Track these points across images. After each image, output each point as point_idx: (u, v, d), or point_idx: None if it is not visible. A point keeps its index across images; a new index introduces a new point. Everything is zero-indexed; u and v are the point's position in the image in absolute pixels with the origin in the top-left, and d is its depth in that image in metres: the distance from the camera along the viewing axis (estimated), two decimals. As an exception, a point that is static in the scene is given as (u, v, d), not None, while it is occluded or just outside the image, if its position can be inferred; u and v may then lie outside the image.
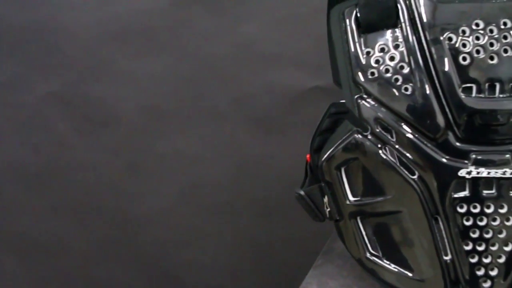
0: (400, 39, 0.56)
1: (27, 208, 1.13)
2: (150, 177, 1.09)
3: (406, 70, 0.56)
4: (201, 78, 1.02)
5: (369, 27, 0.57)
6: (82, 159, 1.10)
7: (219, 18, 0.99)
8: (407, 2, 0.56)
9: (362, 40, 0.58)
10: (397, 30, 0.57)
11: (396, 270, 0.60)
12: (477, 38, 0.54)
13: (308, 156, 0.65)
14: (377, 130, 0.57)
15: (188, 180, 1.08)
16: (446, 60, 0.54)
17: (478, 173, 0.55)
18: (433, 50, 0.55)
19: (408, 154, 0.56)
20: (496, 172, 0.54)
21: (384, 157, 0.57)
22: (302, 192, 0.63)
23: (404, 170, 0.57)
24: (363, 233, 0.61)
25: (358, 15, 0.58)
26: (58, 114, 1.09)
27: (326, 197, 0.62)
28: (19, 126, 1.10)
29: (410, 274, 0.60)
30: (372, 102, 0.57)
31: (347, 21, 0.58)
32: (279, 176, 1.00)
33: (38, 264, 1.18)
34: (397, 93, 0.56)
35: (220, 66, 1.01)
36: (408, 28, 0.56)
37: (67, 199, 1.13)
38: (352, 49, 0.58)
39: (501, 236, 0.56)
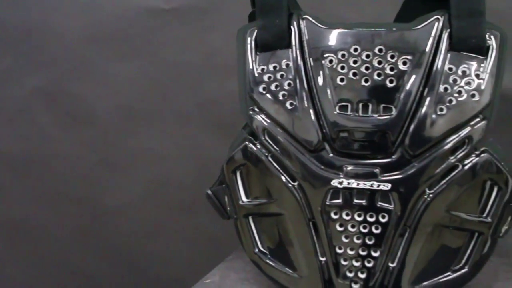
0: (290, 59, 0.63)
1: (9, 195, 1.23)
2: (120, 172, 1.17)
3: (292, 87, 0.62)
4: (170, 83, 1.10)
5: (265, 47, 0.64)
6: (62, 152, 1.19)
7: (187, 27, 1.06)
8: (299, 26, 0.63)
9: (258, 58, 0.64)
10: (289, 51, 0.63)
11: (279, 267, 0.66)
12: (355, 62, 0.60)
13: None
14: (265, 140, 0.63)
15: (155, 177, 1.16)
16: (325, 80, 0.61)
17: (348, 183, 0.60)
18: (314, 70, 0.61)
19: (289, 163, 0.62)
20: (365, 184, 0.60)
21: (269, 164, 0.63)
22: (209, 192, 0.70)
23: (286, 177, 0.63)
24: (254, 231, 0.67)
25: (256, 35, 0.64)
26: (43, 108, 1.18)
27: (226, 197, 0.69)
28: (8, 118, 1.20)
29: (291, 272, 0.66)
30: (262, 114, 0.63)
31: (248, 39, 0.65)
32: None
33: (18, 248, 1.27)
34: (282, 108, 0.62)
35: (187, 72, 1.08)
36: (297, 49, 0.62)
37: (46, 188, 1.22)
38: (250, 66, 0.64)
39: (370, 242, 0.61)
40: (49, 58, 1.17)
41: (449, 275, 0.63)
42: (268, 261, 0.66)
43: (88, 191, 1.20)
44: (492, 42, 0.59)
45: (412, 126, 0.59)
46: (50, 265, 1.28)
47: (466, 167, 0.60)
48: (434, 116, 0.58)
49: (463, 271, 0.62)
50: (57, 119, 1.19)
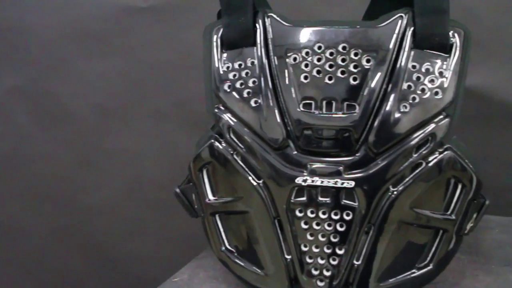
0: (255, 57, 0.62)
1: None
2: (98, 171, 1.17)
3: (256, 85, 0.62)
4: (147, 81, 1.09)
5: (231, 45, 0.64)
6: (40, 151, 1.19)
7: (164, 26, 1.06)
8: (264, 24, 0.62)
9: (223, 56, 0.64)
10: (254, 49, 0.63)
11: (246, 265, 0.66)
12: (318, 60, 0.60)
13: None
14: (230, 138, 0.63)
15: (132, 176, 1.15)
16: (289, 78, 0.60)
17: (312, 181, 0.60)
18: (279, 68, 0.61)
19: (254, 161, 0.62)
20: (329, 182, 0.60)
21: (235, 162, 0.63)
22: (177, 190, 0.69)
23: (252, 175, 0.63)
24: (221, 229, 0.67)
25: (222, 33, 0.64)
26: (21, 107, 1.18)
27: (194, 195, 0.68)
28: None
29: (258, 270, 0.65)
30: (227, 112, 0.63)
31: (214, 37, 0.65)
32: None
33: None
34: (247, 106, 0.62)
35: (164, 71, 1.08)
36: (262, 47, 0.62)
37: (24, 187, 1.21)
38: (215, 64, 0.64)
39: (335, 240, 0.61)
40: (26, 57, 1.16)
41: (414, 272, 0.63)
42: (235, 259, 0.66)
43: (66, 190, 1.20)
44: (456, 40, 0.60)
45: (375, 124, 0.59)
46: (28, 264, 1.27)
47: (429, 165, 0.60)
48: (397, 113, 0.58)
49: (427, 268, 0.62)
50: (35, 118, 1.19)
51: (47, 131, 1.17)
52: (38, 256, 1.26)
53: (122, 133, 1.13)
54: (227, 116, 0.63)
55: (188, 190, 0.68)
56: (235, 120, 0.62)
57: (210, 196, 0.66)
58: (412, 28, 0.59)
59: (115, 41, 1.10)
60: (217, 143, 0.64)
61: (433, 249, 0.63)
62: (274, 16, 0.62)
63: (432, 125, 0.59)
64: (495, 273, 0.69)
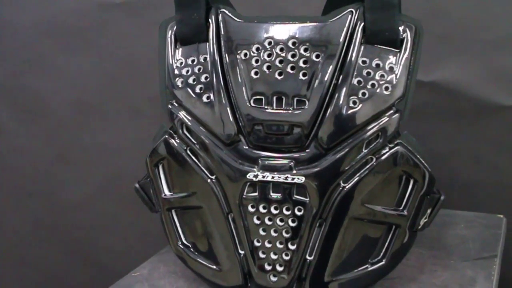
0: (207, 53, 0.63)
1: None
2: (76, 166, 1.17)
3: (208, 80, 0.62)
4: (123, 77, 1.10)
5: (184, 41, 0.64)
6: (17, 146, 1.19)
7: (139, 21, 1.06)
8: (217, 20, 0.62)
9: (177, 52, 0.64)
10: (207, 45, 0.63)
11: (202, 261, 0.66)
12: (269, 55, 0.60)
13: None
14: (183, 134, 0.63)
15: (109, 171, 1.16)
16: (240, 73, 0.61)
17: (263, 177, 0.60)
18: (230, 64, 0.61)
19: (206, 157, 0.62)
20: (280, 177, 0.60)
21: (188, 158, 0.64)
22: (137, 185, 0.70)
23: (205, 170, 0.63)
24: (177, 225, 0.67)
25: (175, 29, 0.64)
26: (1, 103, 1.18)
27: (151, 190, 0.69)
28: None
29: (213, 266, 0.66)
30: (180, 108, 0.63)
31: (168, 33, 0.65)
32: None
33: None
34: (199, 101, 0.62)
35: (140, 66, 1.08)
36: (215, 43, 0.62)
37: (3, 182, 1.22)
38: (169, 60, 0.64)
39: (287, 235, 0.61)
40: (3, 52, 1.17)
41: (367, 268, 0.63)
42: (191, 255, 0.66)
43: (44, 185, 1.20)
44: (407, 35, 0.59)
45: (325, 119, 0.59)
46: (7, 259, 1.28)
47: (380, 160, 0.60)
48: (347, 109, 0.58)
49: (380, 264, 0.62)
50: (12, 113, 1.19)
51: (25, 127, 1.18)
52: (17, 251, 1.26)
53: (100, 128, 1.14)
54: (180, 112, 0.63)
55: (147, 185, 0.68)
56: (188, 116, 0.63)
57: (166, 192, 0.66)
58: (362, 23, 0.59)
59: (92, 37, 1.11)
60: (170, 139, 0.64)
61: (386, 244, 0.63)
62: (226, 12, 0.62)
63: (382, 120, 0.59)
64: (453, 268, 0.69)
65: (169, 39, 0.64)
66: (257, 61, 0.60)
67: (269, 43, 0.60)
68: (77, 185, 1.18)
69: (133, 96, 1.10)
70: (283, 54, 0.59)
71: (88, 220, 1.19)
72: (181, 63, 0.63)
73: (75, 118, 1.14)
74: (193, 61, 0.63)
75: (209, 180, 0.62)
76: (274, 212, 0.61)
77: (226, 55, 0.61)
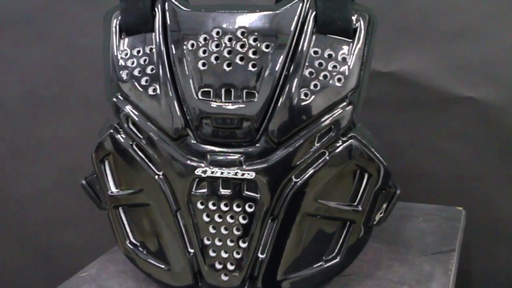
0: (153, 43, 0.59)
1: None
2: (29, 160, 1.13)
3: (154, 72, 0.59)
4: (76, 68, 1.06)
5: (129, 31, 0.61)
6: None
7: (94, 12, 1.02)
8: (163, 9, 0.59)
9: (122, 42, 0.61)
10: (153, 35, 0.60)
11: (150, 259, 0.64)
12: (217, 46, 0.57)
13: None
14: (129, 128, 0.60)
15: (64, 165, 1.12)
16: (187, 65, 0.58)
17: (212, 172, 0.58)
18: (176, 55, 0.58)
19: (153, 152, 0.60)
20: (229, 173, 0.58)
21: (133, 153, 0.61)
22: (83, 182, 0.66)
23: (151, 166, 0.60)
24: (125, 223, 0.65)
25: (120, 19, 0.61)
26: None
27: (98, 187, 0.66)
28: None
29: (162, 265, 0.63)
30: (126, 101, 0.60)
31: (113, 22, 0.62)
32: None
33: None
34: (144, 94, 0.59)
35: (94, 58, 1.03)
36: (161, 33, 0.59)
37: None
38: (114, 51, 0.61)
39: (238, 233, 0.59)
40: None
41: (321, 265, 0.61)
42: (140, 254, 0.64)
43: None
44: (360, 25, 0.57)
45: (275, 112, 0.56)
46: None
47: (333, 154, 0.58)
48: (298, 101, 0.56)
49: (335, 261, 0.61)
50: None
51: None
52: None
53: (53, 121, 1.10)
54: (125, 105, 0.60)
55: (94, 181, 0.65)
56: (134, 110, 0.60)
57: (113, 188, 0.64)
58: (314, 12, 0.57)
59: (43, 27, 1.06)
60: (116, 134, 0.61)
61: (341, 241, 0.61)
62: (173, 0, 0.59)
63: (335, 113, 0.57)
64: (411, 263, 0.68)
65: (113, 29, 0.61)
66: (204, 51, 0.57)
67: (217, 33, 0.57)
68: (29, 179, 1.14)
69: (89, 88, 1.06)
70: (232, 45, 0.57)
71: (42, 215, 1.16)
72: (126, 54, 0.60)
73: (26, 111, 1.10)
74: (138, 52, 0.60)
75: (156, 177, 0.60)
76: (224, 209, 0.58)
77: (173, 45, 0.58)
